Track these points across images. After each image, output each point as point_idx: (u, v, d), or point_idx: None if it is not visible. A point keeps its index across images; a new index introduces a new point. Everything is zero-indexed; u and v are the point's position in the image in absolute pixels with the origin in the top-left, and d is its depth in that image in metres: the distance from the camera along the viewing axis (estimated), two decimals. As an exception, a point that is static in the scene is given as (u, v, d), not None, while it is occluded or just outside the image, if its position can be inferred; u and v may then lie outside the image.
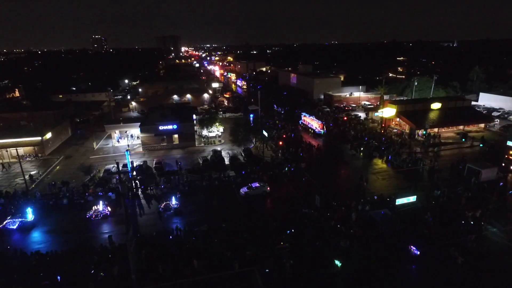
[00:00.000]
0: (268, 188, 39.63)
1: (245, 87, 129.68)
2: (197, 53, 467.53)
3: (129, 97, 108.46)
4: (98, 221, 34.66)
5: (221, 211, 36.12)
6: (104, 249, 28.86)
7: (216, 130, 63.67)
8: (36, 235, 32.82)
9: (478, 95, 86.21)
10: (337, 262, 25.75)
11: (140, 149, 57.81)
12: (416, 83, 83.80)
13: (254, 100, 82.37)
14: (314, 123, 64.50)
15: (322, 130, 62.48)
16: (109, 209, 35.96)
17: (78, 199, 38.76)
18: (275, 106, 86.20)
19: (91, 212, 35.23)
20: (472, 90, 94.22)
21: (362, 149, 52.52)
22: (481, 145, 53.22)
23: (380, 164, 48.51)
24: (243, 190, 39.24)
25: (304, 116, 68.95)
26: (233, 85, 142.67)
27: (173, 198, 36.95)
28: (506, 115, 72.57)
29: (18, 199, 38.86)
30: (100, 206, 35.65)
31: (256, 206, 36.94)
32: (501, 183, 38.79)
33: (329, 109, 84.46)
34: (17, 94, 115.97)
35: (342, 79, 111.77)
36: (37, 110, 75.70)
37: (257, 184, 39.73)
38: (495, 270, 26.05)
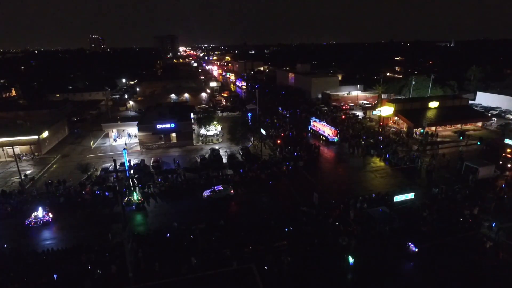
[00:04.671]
0: (232, 191, 38.58)
1: (244, 87, 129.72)
2: (195, 53, 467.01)
3: (126, 96, 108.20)
4: (38, 228, 32.87)
5: (189, 211, 35.70)
6: (101, 248, 28.67)
7: (214, 129, 63.55)
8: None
9: (475, 94, 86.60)
10: (350, 258, 25.78)
11: (138, 148, 57.60)
12: (413, 82, 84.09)
13: (254, 100, 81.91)
14: (326, 130, 58.63)
15: (335, 137, 56.77)
16: (50, 215, 34.14)
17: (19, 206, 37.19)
18: (279, 109, 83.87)
19: (30, 219, 33.38)
20: (469, 89, 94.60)
21: (361, 147, 52.50)
22: (478, 143, 53.45)
23: (378, 162, 48.56)
24: (206, 193, 38.08)
25: (314, 121, 63.15)
26: (232, 85, 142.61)
27: (135, 194, 36.84)
28: (503, 114, 72.93)
29: (14, 198, 38.61)
30: (40, 213, 33.73)
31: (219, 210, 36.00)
32: (503, 185, 38.75)
33: (327, 108, 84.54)
34: (13, 93, 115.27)
35: (340, 78, 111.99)
36: (33, 109, 75.44)
37: (221, 187, 38.62)
38: (493, 267, 26.12)
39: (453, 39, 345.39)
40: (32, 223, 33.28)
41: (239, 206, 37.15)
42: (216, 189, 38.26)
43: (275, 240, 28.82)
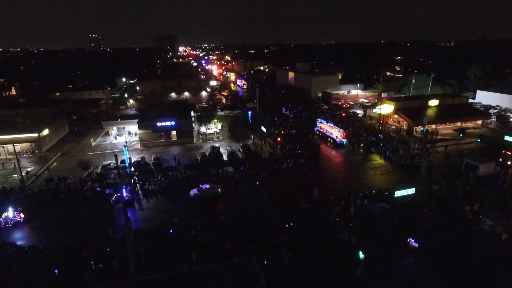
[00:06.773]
0: (220, 190, 38.22)
1: (245, 86, 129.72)
2: (194, 52, 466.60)
3: (126, 95, 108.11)
4: (8, 229, 32.17)
5: (189, 208, 35.86)
6: (102, 243, 28.71)
7: (214, 127, 63.59)
8: None
9: (475, 93, 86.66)
10: (361, 254, 25.88)
11: (138, 146, 57.62)
12: (413, 81, 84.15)
13: (254, 99, 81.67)
14: (334, 131, 55.49)
15: (344, 140, 53.93)
16: (22, 215, 33.46)
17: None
18: (283, 109, 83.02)
19: (0, 219, 32.73)
20: (469, 88, 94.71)
21: (362, 145, 52.66)
22: (478, 140, 53.54)
23: (378, 159, 48.62)
24: (193, 192, 37.70)
25: (321, 122, 59.96)
26: (232, 84, 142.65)
27: (124, 191, 36.82)
28: (503, 112, 73.00)
29: (14, 195, 38.67)
30: (10, 213, 32.97)
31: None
32: (499, 182, 38.88)
33: (327, 106, 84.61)
34: (13, 92, 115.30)
35: (340, 77, 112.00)
36: (34, 107, 75.42)
37: (208, 186, 38.25)
38: (494, 263, 26.19)
39: (452, 39, 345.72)
40: (3, 223, 32.66)
41: (227, 204, 36.94)
42: (203, 188, 37.94)
43: (275, 236, 28.87)
